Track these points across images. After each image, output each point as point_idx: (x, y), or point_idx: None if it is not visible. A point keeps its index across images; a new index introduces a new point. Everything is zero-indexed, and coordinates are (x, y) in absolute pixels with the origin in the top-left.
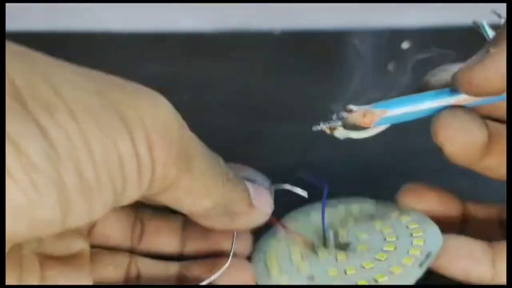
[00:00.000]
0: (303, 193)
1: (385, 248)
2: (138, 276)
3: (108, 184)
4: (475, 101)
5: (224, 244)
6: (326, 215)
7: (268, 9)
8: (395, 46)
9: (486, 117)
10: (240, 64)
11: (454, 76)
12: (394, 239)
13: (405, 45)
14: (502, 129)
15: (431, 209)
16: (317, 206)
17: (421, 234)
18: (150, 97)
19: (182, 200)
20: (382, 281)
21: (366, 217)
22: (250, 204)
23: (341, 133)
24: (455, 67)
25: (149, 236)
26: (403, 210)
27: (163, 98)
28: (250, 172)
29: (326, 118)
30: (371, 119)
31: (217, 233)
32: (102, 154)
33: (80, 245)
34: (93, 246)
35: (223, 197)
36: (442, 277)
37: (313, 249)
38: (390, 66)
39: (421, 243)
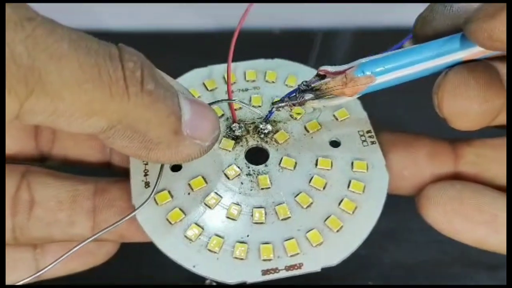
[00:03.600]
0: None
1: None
2: (31, 204)
3: None
4: (491, 54)
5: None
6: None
7: (268, 9)
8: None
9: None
10: None
11: (468, 29)
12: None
13: (407, 45)
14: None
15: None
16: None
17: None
18: None
19: (57, 123)
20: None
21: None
22: (177, 132)
23: (313, 105)
24: (457, 7)
25: (62, 142)
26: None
27: None
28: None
29: (294, 91)
30: (354, 90)
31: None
32: None
33: None
34: None
35: (126, 115)
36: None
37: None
38: None
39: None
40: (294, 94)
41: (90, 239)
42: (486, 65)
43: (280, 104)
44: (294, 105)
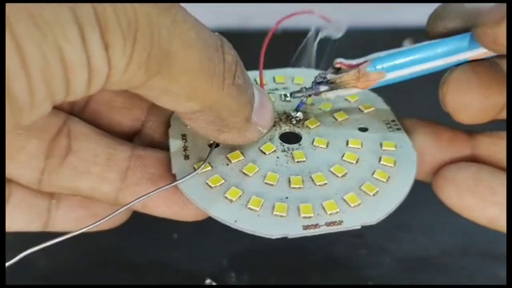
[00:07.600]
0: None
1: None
2: (67, 150)
3: (45, 99)
4: (496, 54)
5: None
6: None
7: (268, 9)
8: (397, 45)
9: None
10: None
11: (475, 32)
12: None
13: (406, 44)
14: None
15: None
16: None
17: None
18: None
19: (158, 99)
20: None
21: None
22: (248, 120)
23: (327, 96)
24: (468, 7)
25: (96, 105)
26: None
27: None
28: None
29: (311, 82)
30: (366, 84)
31: None
32: (38, 61)
33: None
34: None
35: (217, 103)
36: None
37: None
38: None
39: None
40: (311, 85)
41: (137, 201)
42: (491, 64)
43: (297, 94)
44: (310, 95)
